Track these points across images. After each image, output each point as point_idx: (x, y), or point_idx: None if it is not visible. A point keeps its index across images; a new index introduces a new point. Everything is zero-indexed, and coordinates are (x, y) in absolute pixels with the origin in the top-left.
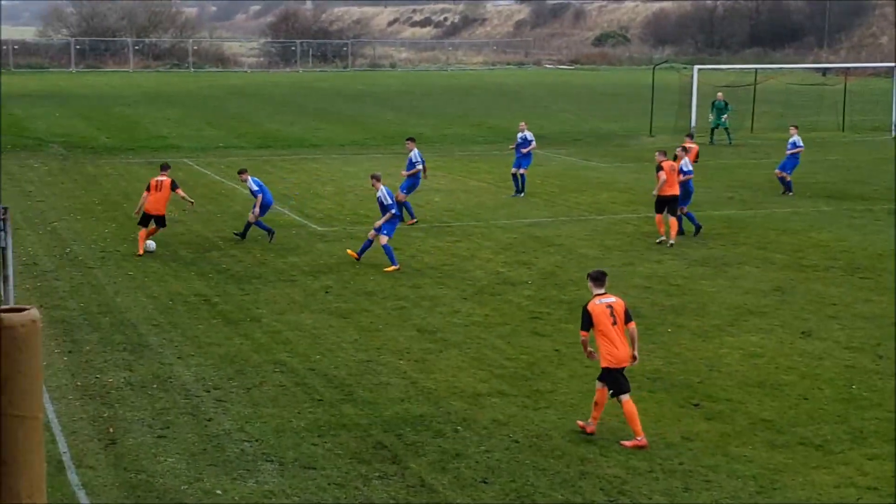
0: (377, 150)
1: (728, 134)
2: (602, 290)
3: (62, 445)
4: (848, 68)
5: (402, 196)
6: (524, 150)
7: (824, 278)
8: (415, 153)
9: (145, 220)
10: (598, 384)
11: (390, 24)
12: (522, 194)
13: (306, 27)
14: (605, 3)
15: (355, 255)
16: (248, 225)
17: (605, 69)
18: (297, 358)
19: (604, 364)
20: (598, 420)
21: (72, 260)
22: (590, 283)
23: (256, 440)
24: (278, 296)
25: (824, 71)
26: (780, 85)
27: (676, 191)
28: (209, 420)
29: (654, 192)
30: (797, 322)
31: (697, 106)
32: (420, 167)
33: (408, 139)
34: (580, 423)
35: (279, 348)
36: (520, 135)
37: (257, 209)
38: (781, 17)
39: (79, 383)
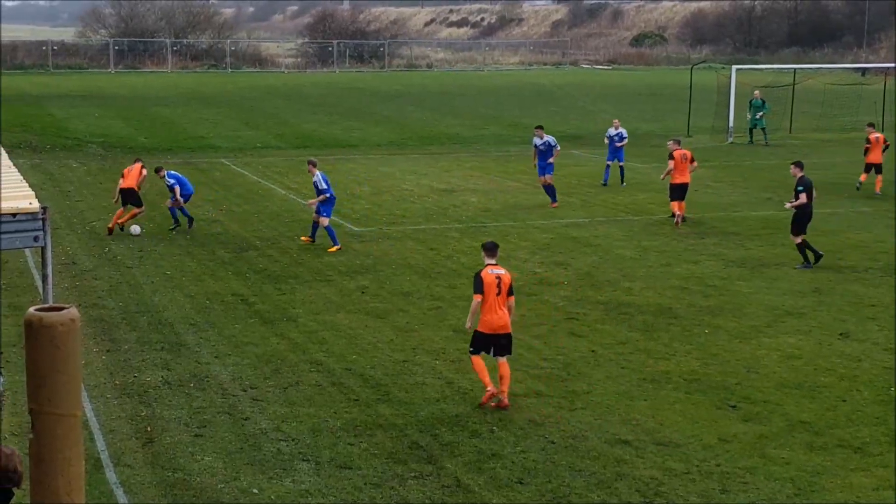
0: (413, 151)
1: (764, 134)
2: (493, 261)
3: (100, 444)
4: (888, 68)
5: (324, 220)
6: (618, 145)
7: (863, 279)
8: (318, 176)
9: (122, 200)
10: (471, 351)
11: (427, 24)
12: (624, 184)
13: (343, 28)
14: (642, 2)
15: (308, 238)
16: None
17: (642, 69)
18: (334, 358)
19: (478, 328)
20: (490, 384)
21: (110, 259)
22: (483, 253)
23: (293, 439)
24: (315, 296)
25: (863, 71)
26: (818, 85)
27: (687, 179)
28: (246, 419)
29: (662, 177)
30: (835, 323)
31: (735, 106)
32: (327, 194)
33: (309, 162)
34: (484, 399)
35: (315, 348)
36: (613, 131)
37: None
38: (820, 16)
39: (117, 382)
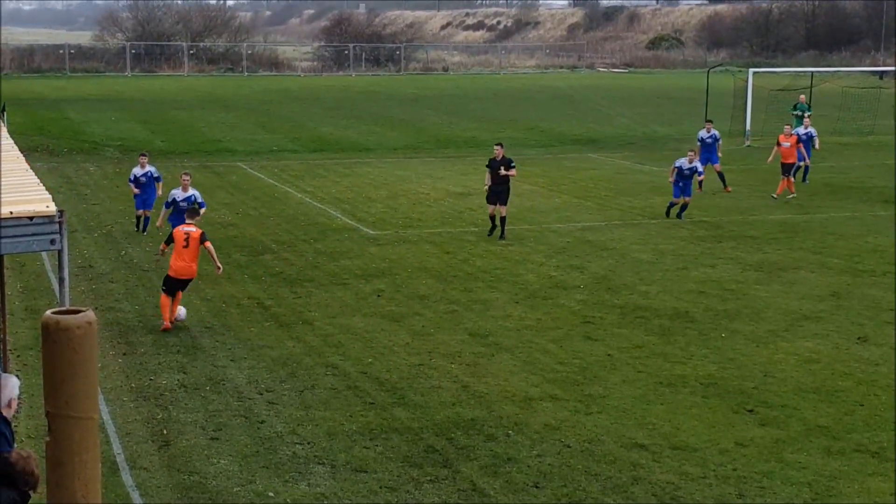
0: (430, 154)
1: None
2: (190, 222)
3: (117, 447)
4: None
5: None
6: (716, 145)
7: (881, 283)
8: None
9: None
10: (162, 290)
11: (443, 27)
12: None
13: (359, 31)
14: (659, 6)
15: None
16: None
17: (659, 73)
18: (349, 361)
19: (169, 273)
20: (168, 319)
21: (126, 263)
22: (185, 216)
23: (308, 443)
24: (330, 299)
25: (881, 74)
26: (836, 88)
27: (794, 159)
28: (261, 422)
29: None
30: (853, 328)
31: (752, 109)
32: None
33: (141, 154)
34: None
35: (331, 351)
36: (705, 133)
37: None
38: (838, 19)
39: (133, 385)
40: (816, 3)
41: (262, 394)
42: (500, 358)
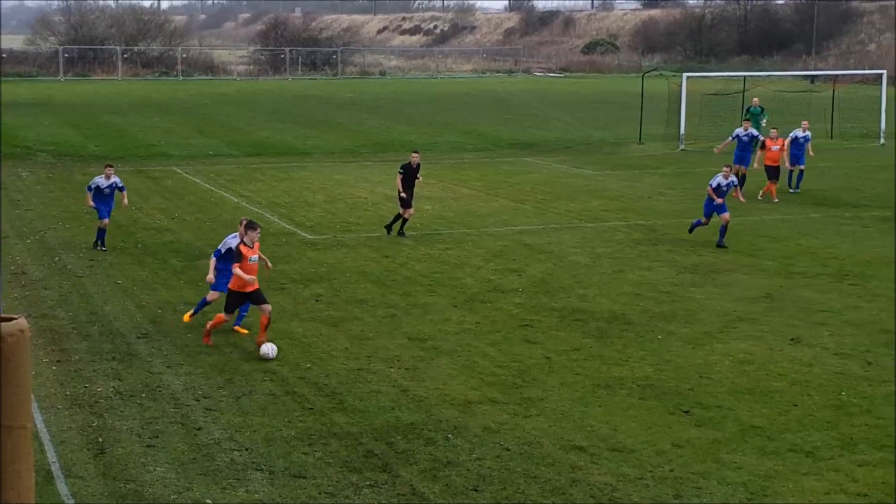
0: (367, 158)
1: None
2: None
3: (51, 455)
4: (836, 75)
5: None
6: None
7: (813, 285)
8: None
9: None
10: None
11: (380, 31)
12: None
13: (296, 35)
14: (594, 11)
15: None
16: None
17: (594, 77)
18: (288, 366)
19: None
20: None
21: (60, 269)
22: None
23: (246, 449)
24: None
25: (813, 78)
26: (768, 92)
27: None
28: (199, 429)
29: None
30: (787, 329)
31: (686, 113)
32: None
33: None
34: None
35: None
36: (741, 131)
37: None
38: (770, 24)
39: (68, 393)
40: (748, 7)
41: (199, 400)
42: (439, 362)
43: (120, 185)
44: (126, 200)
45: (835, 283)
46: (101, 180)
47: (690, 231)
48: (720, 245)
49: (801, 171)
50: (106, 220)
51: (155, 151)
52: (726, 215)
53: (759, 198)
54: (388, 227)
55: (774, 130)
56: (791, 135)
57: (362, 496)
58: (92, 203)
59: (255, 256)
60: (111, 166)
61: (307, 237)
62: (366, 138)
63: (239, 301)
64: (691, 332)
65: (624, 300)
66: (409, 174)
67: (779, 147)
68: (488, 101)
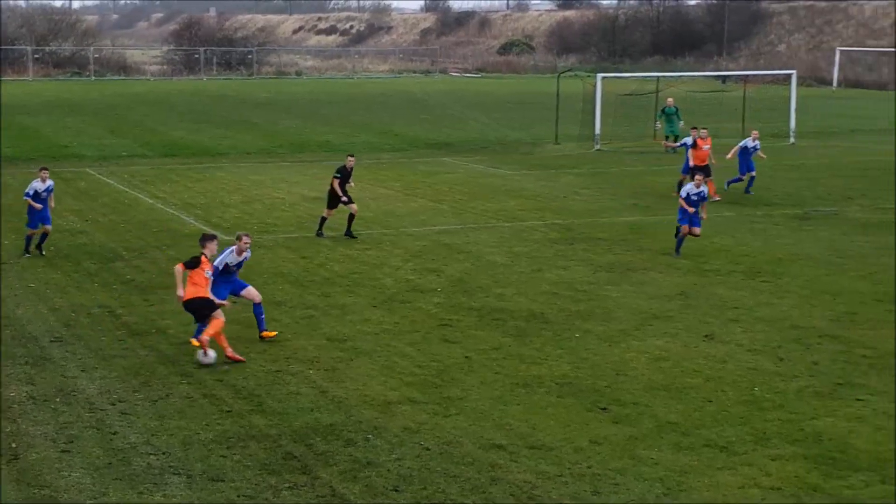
0: (284, 159)
1: (676, 140)
2: None
3: None
4: (747, 76)
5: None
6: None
7: (726, 282)
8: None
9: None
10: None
11: (295, 31)
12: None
13: (210, 35)
14: (509, 11)
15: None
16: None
17: (510, 77)
18: (205, 369)
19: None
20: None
21: None
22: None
23: (163, 453)
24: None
25: (724, 78)
26: (680, 92)
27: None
28: (114, 433)
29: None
30: (700, 326)
31: (601, 114)
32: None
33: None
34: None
35: (186, 359)
36: (749, 141)
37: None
38: (682, 25)
39: None
40: (661, 9)
41: (114, 404)
42: (358, 362)
43: (51, 188)
44: (52, 203)
45: (747, 281)
46: (38, 184)
47: (678, 249)
48: (678, 253)
49: (752, 177)
50: (38, 229)
51: (67, 152)
52: (697, 229)
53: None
54: (319, 230)
55: (704, 130)
56: (741, 143)
57: (282, 498)
58: (39, 206)
59: (210, 271)
60: (46, 169)
61: (224, 238)
62: (282, 139)
63: (200, 305)
64: (608, 330)
65: (542, 299)
66: (346, 177)
67: (709, 147)
68: (405, 102)
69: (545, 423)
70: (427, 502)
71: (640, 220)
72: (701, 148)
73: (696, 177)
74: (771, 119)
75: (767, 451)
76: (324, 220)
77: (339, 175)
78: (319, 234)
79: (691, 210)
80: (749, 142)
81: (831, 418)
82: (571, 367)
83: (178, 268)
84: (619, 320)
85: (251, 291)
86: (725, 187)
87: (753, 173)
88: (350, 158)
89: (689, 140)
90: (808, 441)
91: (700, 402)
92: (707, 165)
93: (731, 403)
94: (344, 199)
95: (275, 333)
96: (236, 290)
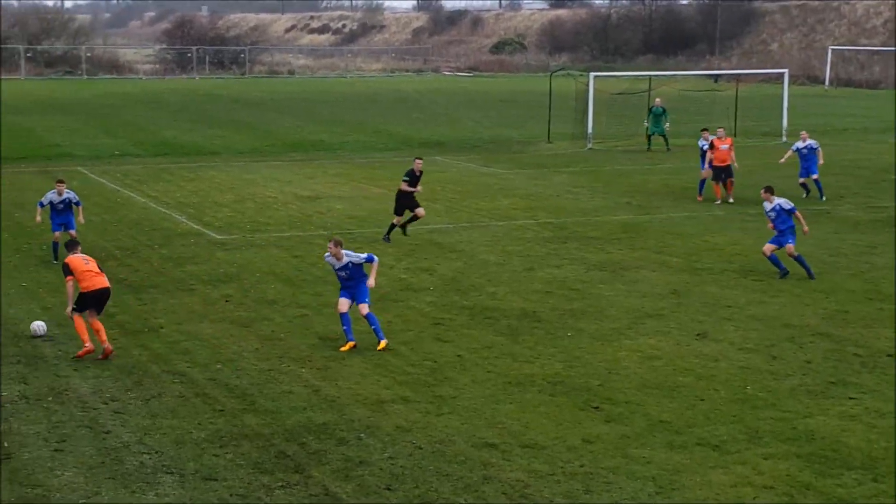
0: (277, 158)
1: (666, 141)
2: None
3: None
4: (739, 74)
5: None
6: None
7: (719, 281)
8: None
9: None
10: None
11: (288, 30)
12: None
13: (202, 34)
14: (501, 10)
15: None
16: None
17: (502, 76)
18: (198, 368)
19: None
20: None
21: None
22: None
23: (156, 452)
24: (177, 305)
25: (716, 77)
26: (673, 91)
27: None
28: (107, 433)
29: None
30: (693, 324)
31: (594, 112)
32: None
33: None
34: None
35: (179, 358)
36: (800, 144)
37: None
38: (674, 24)
39: None
40: (653, 8)
41: (107, 403)
42: (351, 361)
43: (75, 200)
44: (82, 217)
45: (739, 279)
46: (52, 195)
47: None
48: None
49: (817, 181)
50: (59, 233)
51: (60, 152)
52: (791, 246)
53: (717, 203)
54: (386, 235)
55: (721, 129)
56: (793, 147)
57: (274, 497)
58: (38, 219)
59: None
60: (62, 182)
61: (216, 237)
62: (275, 138)
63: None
64: (600, 328)
65: (534, 298)
66: (415, 181)
67: (727, 146)
68: (398, 101)
69: (537, 421)
70: (419, 501)
71: (632, 218)
72: (718, 148)
73: (762, 193)
74: (763, 118)
75: (760, 449)
76: (393, 226)
77: (407, 178)
78: (386, 238)
79: (772, 228)
80: (800, 144)
81: (824, 417)
82: (564, 366)
83: None
84: (611, 319)
85: (363, 308)
86: (822, 199)
87: (815, 176)
88: (418, 161)
89: (704, 144)
90: (800, 439)
91: (692, 401)
92: (729, 166)
93: (724, 402)
94: (413, 188)
95: (385, 343)
96: (356, 299)
